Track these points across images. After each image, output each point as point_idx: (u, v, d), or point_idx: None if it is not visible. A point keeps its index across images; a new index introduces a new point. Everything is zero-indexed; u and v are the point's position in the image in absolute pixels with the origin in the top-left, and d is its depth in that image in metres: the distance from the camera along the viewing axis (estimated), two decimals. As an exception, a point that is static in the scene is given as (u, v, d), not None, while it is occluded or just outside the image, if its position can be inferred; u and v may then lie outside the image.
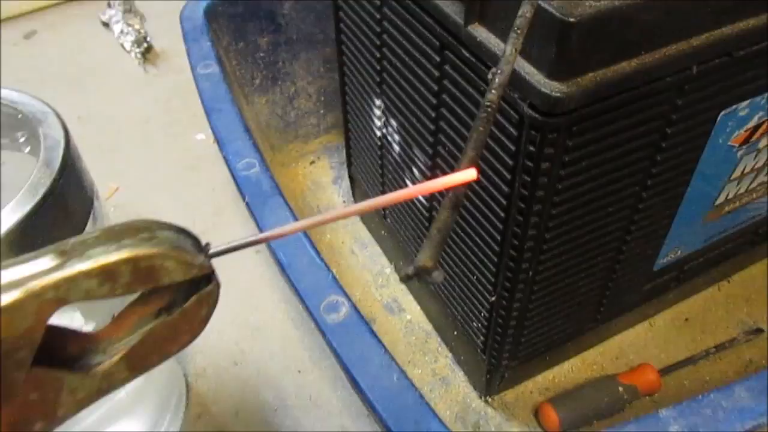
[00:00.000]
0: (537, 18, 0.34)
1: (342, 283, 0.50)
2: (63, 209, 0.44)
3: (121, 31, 1.19)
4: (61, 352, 0.23)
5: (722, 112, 0.48)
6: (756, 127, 0.51)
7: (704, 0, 0.39)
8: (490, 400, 0.67)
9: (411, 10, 0.49)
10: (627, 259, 0.56)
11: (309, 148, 0.95)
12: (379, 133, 0.65)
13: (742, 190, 0.59)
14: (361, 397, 0.44)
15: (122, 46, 1.19)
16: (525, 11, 0.32)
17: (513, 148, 0.42)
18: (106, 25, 1.24)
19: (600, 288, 0.58)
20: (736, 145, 0.52)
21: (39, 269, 0.20)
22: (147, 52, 1.17)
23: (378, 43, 0.57)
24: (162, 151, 0.98)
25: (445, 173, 0.54)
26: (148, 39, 1.18)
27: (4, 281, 0.20)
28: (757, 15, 0.42)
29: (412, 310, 0.75)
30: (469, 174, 0.23)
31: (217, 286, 0.24)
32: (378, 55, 0.58)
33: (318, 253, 0.50)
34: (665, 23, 0.39)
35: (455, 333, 0.67)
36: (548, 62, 0.37)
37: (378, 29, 0.56)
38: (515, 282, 0.50)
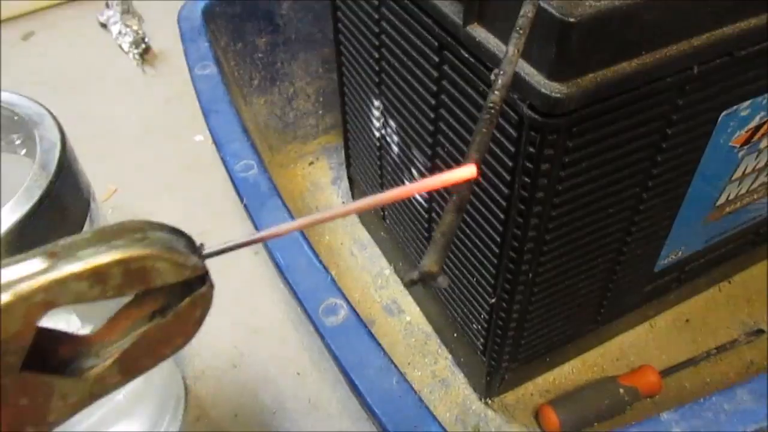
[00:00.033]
0: (537, 18, 0.34)
1: (341, 284, 0.50)
2: (59, 212, 0.44)
3: (119, 32, 1.19)
4: (53, 355, 0.22)
5: (723, 113, 0.47)
6: (757, 128, 0.51)
7: (705, 0, 0.39)
8: (490, 402, 0.67)
9: (409, 10, 0.49)
10: (627, 260, 0.56)
11: (308, 149, 0.95)
12: (377, 134, 0.65)
13: (743, 191, 0.59)
14: (360, 400, 0.44)
15: (120, 47, 1.18)
16: (527, 11, 0.32)
17: (513, 149, 0.42)
18: (104, 26, 1.23)
19: (600, 289, 0.58)
20: (737, 145, 0.52)
21: (28, 272, 0.20)
22: (145, 53, 1.16)
23: (376, 43, 0.57)
24: (160, 153, 0.98)
25: (446, 186, 0.54)
26: (146, 40, 1.18)
27: None
28: (758, 14, 0.42)
29: (412, 312, 0.75)
30: (468, 171, 0.23)
31: (211, 287, 0.24)
32: (376, 56, 0.58)
33: (316, 254, 0.50)
34: (666, 23, 0.38)
35: (455, 335, 0.66)
36: (548, 63, 0.37)
37: (376, 29, 0.56)
38: (515, 283, 0.50)
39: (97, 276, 0.20)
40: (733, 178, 0.56)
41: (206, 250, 0.23)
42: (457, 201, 0.24)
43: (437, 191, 0.56)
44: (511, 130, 0.41)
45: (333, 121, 0.94)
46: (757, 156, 0.55)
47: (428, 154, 0.55)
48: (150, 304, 0.23)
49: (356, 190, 0.83)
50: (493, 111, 0.27)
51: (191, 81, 0.68)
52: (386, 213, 0.73)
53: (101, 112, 1.06)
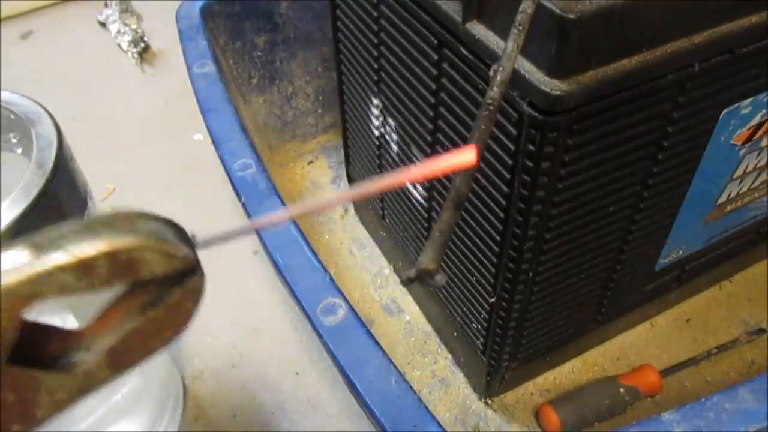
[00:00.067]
0: (536, 14, 0.34)
1: (340, 284, 0.49)
2: (56, 210, 0.44)
3: (118, 31, 1.18)
4: (41, 350, 0.22)
5: (724, 110, 0.47)
6: (758, 126, 0.51)
7: (706, -4, 0.39)
8: (490, 401, 0.67)
9: (408, 7, 0.48)
10: (628, 259, 0.55)
11: (307, 148, 0.94)
12: (377, 133, 0.65)
13: (744, 189, 0.58)
14: (358, 400, 0.43)
15: (119, 46, 1.18)
16: (526, 7, 0.32)
17: (512, 147, 0.42)
18: (102, 24, 1.23)
19: (601, 288, 0.58)
20: (739, 143, 0.52)
21: (11, 264, 0.19)
22: (144, 52, 1.16)
23: (375, 41, 0.56)
24: (159, 152, 0.98)
25: (444, 173, 0.54)
26: (145, 39, 1.17)
27: None
28: (759, 12, 0.41)
29: (411, 311, 0.75)
30: (468, 155, 0.22)
31: (203, 279, 0.23)
32: (375, 54, 0.57)
33: (315, 254, 0.50)
34: (667, 20, 0.38)
35: (455, 334, 0.66)
36: (548, 60, 0.36)
37: (375, 27, 0.55)
38: (515, 283, 0.50)
39: (84, 267, 0.19)
40: (734, 176, 0.55)
41: (198, 241, 0.23)
42: (456, 197, 0.24)
43: (437, 190, 0.56)
44: (510, 128, 0.41)
45: (332, 120, 0.94)
46: (758, 154, 0.55)
47: (427, 152, 0.54)
48: (141, 297, 0.22)
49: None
50: (492, 107, 0.27)
51: (189, 79, 0.67)
52: (385, 212, 0.72)
53: (100, 111, 1.06)
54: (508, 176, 0.43)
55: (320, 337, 0.45)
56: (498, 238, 0.48)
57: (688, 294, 0.74)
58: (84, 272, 0.19)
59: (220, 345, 0.73)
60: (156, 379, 0.63)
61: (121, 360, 0.22)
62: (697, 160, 0.50)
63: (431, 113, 0.51)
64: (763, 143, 0.53)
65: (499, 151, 0.43)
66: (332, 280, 0.48)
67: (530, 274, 0.49)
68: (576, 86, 0.36)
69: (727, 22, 0.40)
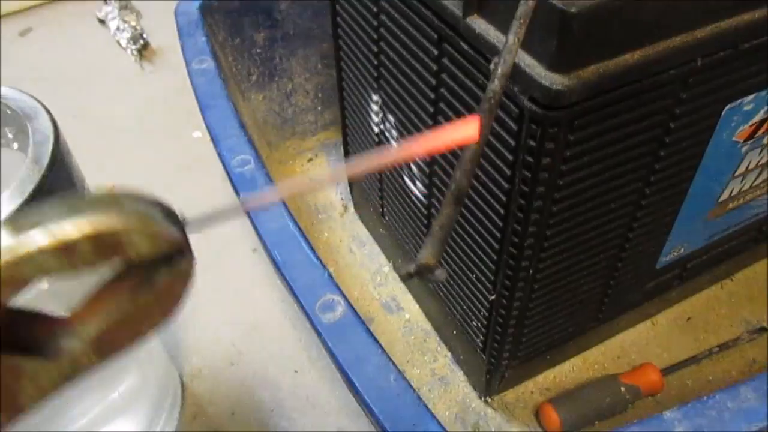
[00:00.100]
0: (537, 8, 0.33)
1: (339, 281, 0.49)
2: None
3: (117, 28, 1.18)
4: (24, 336, 0.21)
5: (727, 107, 0.47)
6: (761, 122, 0.50)
7: (709, -9, 0.38)
8: (489, 400, 0.66)
9: (408, 2, 0.48)
10: (629, 257, 0.55)
11: (307, 146, 0.94)
12: (376, 129, 0.64)
13: (746, 187, 0.58)
14: (357, 398, 0.43)
15: (118, 43, 1.17)
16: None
17: (513, 143, 0.41)
18: (102, 22, 1.23)
19: (602, 286, 0.57)
20: (741, 140, 0.51)
21: None
22: (143, 49, 1.16)
23: (375, 37, 0.56)
24: (158, 149, 0.97)
25: (443, 170, 0.53)
26: (145, 36, 1.17)
27: None
28: (763, 7, 0.41)
29: (411, 309, 0.74)
30: (470, 128, 0.21)
31: (192, 261, 0.22)
32: (375, 50, 0.57)
33: (314, 251, 0.49)
34: (669, 14, 0.38)
35: (454, 332, 0.66)
36: (549, 54, 0.36)
37: (375, 23, 0.55)
38: (515, 280, 0.49)
39: (66, 249, 0.19)
40: (736, 173, 0.55)
41: (188, 222, 0.22)
42: (456, 192, 0.24)
43: (437, 186, 0.56)
44: (511, 124, 0.40)
45: (332, 117, 0.93)
46: (761, 151, 0.54)
47: (427, 149, 0.54)
48: (129, 279, 0.21)
49: (355, 186, 0.82)
50: (492, 100, 0.26)
51: (188, 76, 0.67)
52: (385, 209, 0.72)
53: (99, 108, 1.05)
54: (508, 172, 0.43)
55: (319, 334, 0.44)
56: (498, 235, 0.47)
57: (689, 292, 0.74)
58: (66, 254, 0.19)
59: (219, 343, 0.73)
60: (154, 377, 0.63)
61: (109, 345, 0.22)
62: (699, 157, 0.50)
63: (431, 109, 0.51)
64: (766, 140, 0.53)
65: (500, 147, 0.43)
66: (331, 276, 0.47)
67: (530, 272, 0.49)
68: (577, 81, 0.36)
69: (730, 17, 0.40)
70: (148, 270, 0.21)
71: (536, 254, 0.47)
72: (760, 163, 0.56)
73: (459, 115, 0.47)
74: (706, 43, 0.40)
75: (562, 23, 0.34)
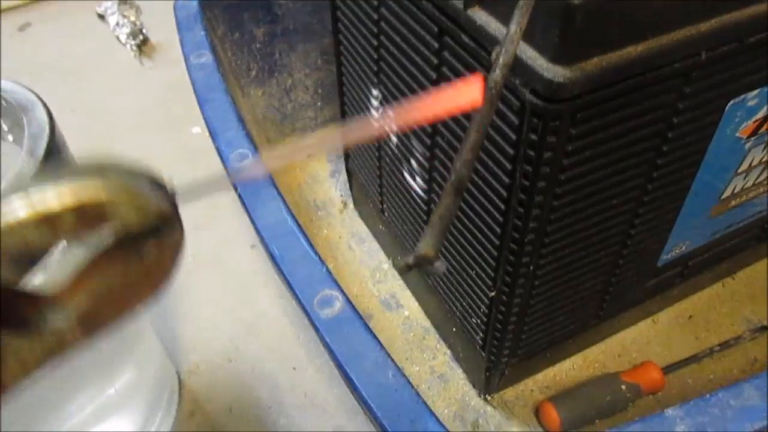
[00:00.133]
0: (540, -1, 0.33)
1: (339, 278, 0.48)
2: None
3: (117, 24, 1.17)
4: (8, 312, 0.20)
5: (731, 102, 0.46)
6: (765, 119, 0.50)
7: (714, -17, 0.38)
8: (489, 398, 0.66)
9: (409, -5, 0.47)
10: (631, 254, 0.55)
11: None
12: (376, 125, 0.64)
13: (749, 184, 0.57)
14: (355, 394, 0.43)
15: (118, 38, 1.17)
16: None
17: (514, 136, 0.41)
18: (101, 17, 1.22)
19: (603, 284, 0.57)
20: (744, 136, 0.51)
21: None
22: (143, 45, 1.15)
23: (375, 30, 0.55)
24: (157, 145, 0.97)
25: (443, 165, 0.53)
26: (144, 31, 1.16)
27: None
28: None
29: (410, 306, 0.74)
30: (473, 89, 0.21)
31: (182, 232, 0.22)
32: (375, 43, 0.56)
33: (312, 246, 0.49)
34: (673, 7, 0.37)
35: (454, 329, 0.65)
36: (551, 46, 0.35)
37: (375, 16, 0.54)
38: (515, 277, 0.49)
39: (48, 221, 0.18)
40: (739, 170, 0.54)
41: (177, 192, 0.21)
42: (456, 182, 0.23)
43: (437, 182, 0.55)
44: (512, 117, 0.40)
45: (332, 113, 0.93)
46: (764, 148, 0.54)
47: (427, 143, 0.53)
48: (118, 254, 0.21)
49: (355, 182, 0.82)
50: (494, 90, 0.26)
51: (186, 70, 0.67)
52: (385, 206, 0.71)
53: (98, 103, 1.05)
54: (509, 166, 0.42)
55: (317, 329, 0.44)
56: (498, 231, 0.47)
57: (690, 290, 0.73)
58: (49, 226, 0.18)
59: (217, 339, 0.72)
60: (151, 373, 0.62)
61: (96, 320, 0.21)
62: (702, 153, 0.49)
63: (431, 103, 0.50)
64: (769, 137, 0.53)
65: (500, 141, 0.42)
66: (329, 271, 0.47)
67: (531, 268, 0.48)
68: (580, 73, 0.36)
69: (734, 11, 0.40)
70: (137, 242, 0.20)
71: (537, 250, 0.47)
72: (764, 160, 0.55)
73: (459, 109, 0.47)
74: (710, 36, 0.39)
75: (564, 15, 0.34)
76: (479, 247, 0.51)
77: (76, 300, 0.21)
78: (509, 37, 0.28)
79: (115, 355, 0.56)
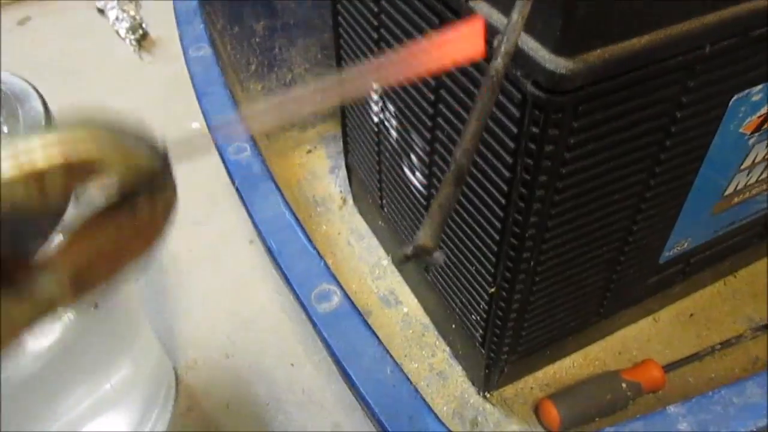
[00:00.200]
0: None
1: (337, 274, 0.48)
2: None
3: (116, 18, 1.17)
4: (0, 275, 0.20)
5: (734, 97, 0.46)
6: (769, 114, 0.49)
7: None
8: (488, 395, 0.65)
9: (409, -14, 0.47)
10: (632, 250, 0.54)
11: (306, 137, 0.93)
12: (376, 119, 0.63)
13: (752, 181, 0.57)
14: (353, 390, 0.42)
15: (117, 33, 1.16)
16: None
17: (515, 129, 0.40)
18: (101, 11, 1.21)
19: (604, 280, 0.56)
20: (748, 132, 0.50)
21: None
22: (142, 39, 1.15)
23: (375, 23, 0.55)
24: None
25: (443, 159, 0.52)
26: (144, 26, 1.16)
27: None
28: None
29: (409, 303, 0.73)
30: (475, 34, 0.20)
31: (174, 189, 0.21)
32: (376, 36, 0.56)
33: (310, 240, 0.48)
34: (677, -2, 0.37)
35: (453, 326, 0.65)
36: (553, 37, 0.35)
37: (376, 9, 0.54)
38: (516, 273, 0.48)
39: (34, 180, 0.18)
40: (742, 166, 0.54)
41: (168, 148, 0.21)
42: (456, 171, 0.23)
43: (436, 176, 0.55)
44: (513, 109, 0.39)
45: (331, 109, 0.92)
46: (768, 144, 0.53)
47: (427, 138, 0.53)
48: (109, 212, 0.20)
49: (354, 178, 0.81)
50: (495, 78, 0.25)
51: (185, 63, 0.66)
52: (384, 201, 0.71)
53: (97, 98, 1.04)
54: (510, 160, 0.42)
55: (314, 324, 0.43)
56: (499, 226, 0.46)
57: (692, 288, 0.73)
58: (36, 184, 0.18)
59: (214, 335, 0.72)
60: (147, 369, 0.62)
61: (86, 280, 0.21)
62: (705, 149, 0.49)
63: (432, 97, 0.50)
64: (773, 133, 0.52)
65: (501, 134, 0.41)
66: (327, 266, 0.46)
67: (531, 264, 0.48)
68: (582, 65, 0.35)
69: (739, 4, 0.39)
70: (128, 200, 0.20)
71: (537, 246, 0.46)
72: (767, 156, 0.55)
73: (461, 103, 0.46)
74: (714, 29, 0.39)
75: (567, 5, 0.33)
76: (479, 242, 0.50)
77: (68, 260, 0.20)
78: (511, 25, 0.27)
79: (111, 350, 0.55)
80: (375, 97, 0.61)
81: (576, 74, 0.35)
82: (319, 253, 0.48)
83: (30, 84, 0.46)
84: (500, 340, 0.56)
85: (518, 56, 0.36)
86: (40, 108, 0.44)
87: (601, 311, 0.62)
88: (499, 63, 0.26)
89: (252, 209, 0.51)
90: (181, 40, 0.68)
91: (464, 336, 0.62)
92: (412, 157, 0.58)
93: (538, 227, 0.45)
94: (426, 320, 0.72)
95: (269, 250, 0.48)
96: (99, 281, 0.21)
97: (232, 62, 0.81)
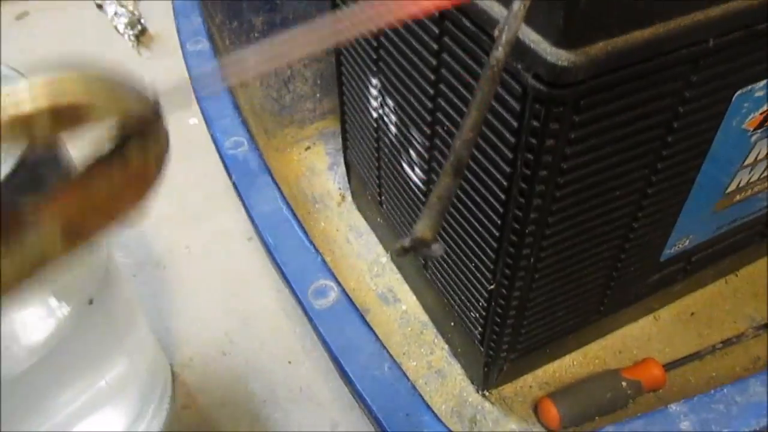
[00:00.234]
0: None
1: (336, 271, 0.47)
2: (35, 182, 0.42)
3: (115, 13, 1.16)
4: None
5: (738, 92, 0.45)
6: (772, 110, 0.49)
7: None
8: (487, 394, 0.65)
9: (409, -21, 0.46)
10: (633, 247, 0.53)
11: (305, 134, 0.92)
12: (375, 114, 0.63)
13: (754, 178, 0.56)
14: (350, 388, 0.41)
15: (116, 28, 1.16)
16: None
17: (515, 123, 0.40)
18: (99, 6, 1.21)
19: (604, 278, 0.56)
20: (751, 129, 0.50)
21: None
22: (141, 35, 1.14)
23: (375, 17, 0.54)
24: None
25: (443, 155, 0.52)
26: (142, 21, 1.15)
27: None
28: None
29: (408, 301, 0.73)
30: None
31: (166, 138, 0.21)
32: (374, 31, 0.55)
33: (307, 235, 0.48)
34: (681, -9, 0.36)
35: (452, 324, 0.64)
36: (555, 29, 0.34)
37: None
38: (515, 269, 0.48)
39: (22, 125, 0.17)
40: (745, 163, 0.53)
41: (160, 95, 0.20)
42: (456, 162, 0.22)
43: (435, 171, 0.54)
44: (514, 103, 0.39)
45: (331, 105, 0.92)
46: (771, 141, 0.53)
47: (427, 133, 0.52)
48: (101, 161, 0.20)
49: (353, 175, 0.80)
50: (495, 68, 0.25)
51: (183, 57, 0.65)
52: (383, 198, 0.70)
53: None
54: (510, 155, 0.41)
55: (310, 320, 0.43)
56: (498, 222, 0.46)
57: (693, 287, 0.72)
58: (24, 127, 0.17)
59: (211, 332, 0.71)
60: (143, 365, 0.61)
61: (78, 228, 0.20)
62: (708, 145, 0.48)
63: (431, 91, 0.49)
64: (776, 129, 0.51)
65: (501, 128, 0.41)
66: (324, 261, 0.46)
67: (531, 260, 0.47)
68: (584, 58, 0.34)
69: (744, -3, 0.38)
70: (119, 147, 0.20)
71: (538, 242, 0.46)
72: (770, 153, 0.54)
73: (460, 96, 0.46)
74: (718, 23, 0.38)
75: (569, -4, 0.33)
76: (478, 239, 0.50)
77: (59, 211, 0.20)
78: (513, 13, 0.27)
79: (106, 346, 0.55)
80: (374, 92, 0.61)
81: (578, 67, 0.34)
82: (316, 248, 0.47)
83: (20, 73, 0.45)
84: (499, 338, 0.55)
85: (519, 49, 0.36)
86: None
87: (602, 309, 0.61)
88: (500, 52, 0.25)
89: (249, 204, 0.50)
90: (179, 33, 0.67)
91: (463, 334, 0.62)
92: (411, 152, 0.57)
93: (538, 223, 0.44)
94: (425, 318, 0.71)
95: (266, 246, 0.48)
96: (91, 233, 0.21)
97: (231, 57, 0.80)
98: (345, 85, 0.69)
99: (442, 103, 0.48)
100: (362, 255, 0.78)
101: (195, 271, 0.77)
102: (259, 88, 0.86)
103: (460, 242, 0.53)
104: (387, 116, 0.60)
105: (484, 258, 0.50)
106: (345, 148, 0.78)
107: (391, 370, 0.41)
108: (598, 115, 0.39)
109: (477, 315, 0.56)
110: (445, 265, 0.58)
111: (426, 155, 0.54)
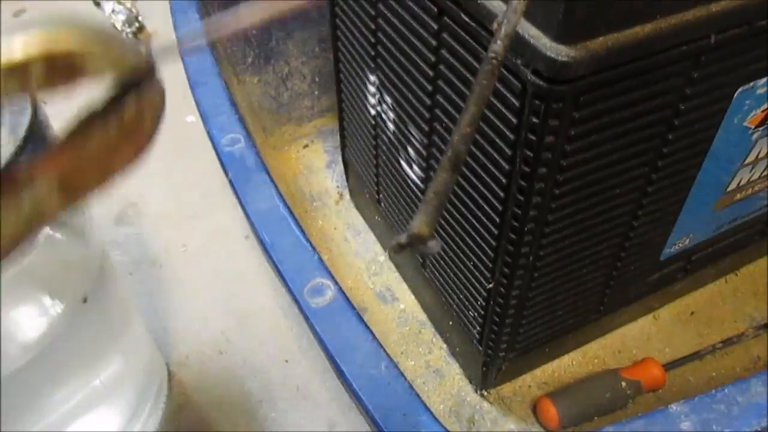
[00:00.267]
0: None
1: (333, 270, 0.47)
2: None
3: (112, 10, 1.16)
4: None
5: (739, 89, 0.45)
6: (774, 108, 0.48)
7: (726, -39, 0.36)
8: (486, 393, 0.64)
9: (407, -26, 0.46)
10: (633, 246, 0.53)
11: (302, 132, 0.92)
12: (373, 112, 0.62)
13: (755, 176, 0.56)
14: (346, 387, 0.41)
15: (113, 25, 1.15)
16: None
17: (514, 120, 0.39)
18: (97, 4, 1.20)
19: (604, 277, 0.55)
20: (752, 126, 0.49)
21: None
22: (138, 32, 1.14)
23: (373, 13, 0.54)
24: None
25: (441, 152, 0.51)
26: (140, 18, 1.15)
27: None
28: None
29: (406, 300, 0.72)
30: None
31: (162, 91, 0.21)
32: (373, 27, 0.55)
33: (304, 233, 0.47)
34: (683, -14, 0.36)
35: (450, 323, 0.64)
36: (555, 24, 0.34)
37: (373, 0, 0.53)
38: (514, 268, 0.47)
39: (16, 71, 0.17)
40: (746, 162, 0.53)
41: (153, 49, 0.20)
42: (453, 157, 0.22)
43: (434, 169, 0.54)
44: (513, 100, 0.38)
45: (329, 102, 0.91)
46: (772, 139, 0.52)
47: (425, 130, 0.52)
48: (95, 114, 0.20)
49: (351, 173, 0.80)
50: (495, 62, 0.24)
51: (179, 53, 0.65)
52: (381, 196, 0.70)
53: (92, 92, 1.03)
54: (509, 152, 0.41)
55: (306, 319, 0.42)
56: (497, 220, 0.45)
57: (693, 286, 0.72)
58: (17, 76, 0.17)
59: (208, 331, 0.71)
60: (139, 364, 0.61)
61: (75, 183, 0.20)
62: (709, 142, 0.48)
63: (429, 88, 0.49)
64: (778, 127, 0.51)
65: (500, 125, 0.40)
66: (320, 260, 0.45)
67: (530, 259, 0.47)
68: (584, 53, 0.34)
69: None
70: (114, 100, 0.20)
71: (537, 240, 0.45)
72: (771, 151, 0.54)
73: (458, 92, 0.45)
74: (720, 18, 0.38)
75: (569, -10, 0.32)
76: (477, 237, 0.49)
77: (56, 165, 0.20)
78: (512, 6, 0.26)
79: (101, 345, 0.54)
80: (372, 89, 0.60)
81: (578, 62, 0.34)
82: (313, 246, 0.46)
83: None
84: (498, 337, 0.55)
85: (518, 44, 0.35)
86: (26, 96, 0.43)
87: (601, 308, 0.61)
88: (499, 45, 0.25)
89: (245, 201, 0.50)
90: (175, 30, 0.67)
91: (461, 333, 0.61)
92: (410, 150, 0.57)
93: (538, 221, 0.44)
94: (423, 317, 0.71)
95: (262, 243, 0.47)
96: (88, 188, 0.21)
97: (228, 55, 0.79)
98: (343, 82, 0.68)
99: (441, 100, 0.48)
100: (360, 253, 0.77)
101: (191, 269, 0.76)
102: (257, 86, 0.85)
103: (458, 240, 0.53)
104: (385, 113, 0.59)
105: (483, 256, 0.50)
106: (343, 147, 0.78)
107: (388, 370, 0.40)
108: (598, 111, 0.38)
109: (475, 314, 0.56)
110: (443, 264, 0.58)
111: (424, 153, 0.54)
